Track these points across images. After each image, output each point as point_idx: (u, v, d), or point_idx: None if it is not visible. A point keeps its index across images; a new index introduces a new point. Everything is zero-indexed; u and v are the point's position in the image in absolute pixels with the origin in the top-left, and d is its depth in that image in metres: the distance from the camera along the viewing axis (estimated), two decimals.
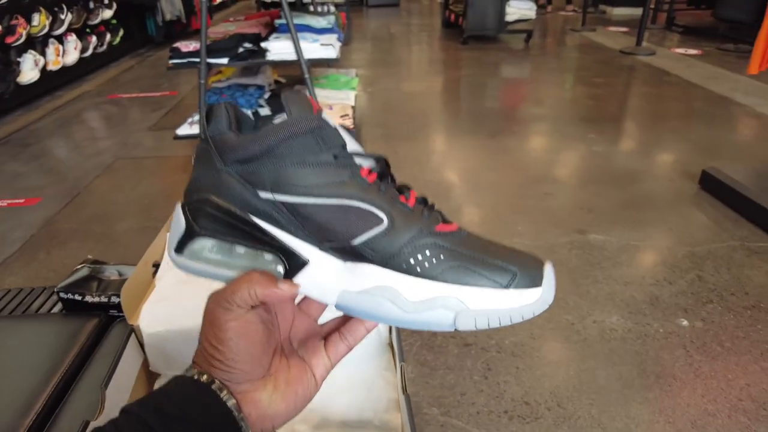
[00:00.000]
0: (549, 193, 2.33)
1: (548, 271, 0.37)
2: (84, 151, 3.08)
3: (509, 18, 5.49)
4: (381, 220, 0.36)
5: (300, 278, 0.37)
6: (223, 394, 0.35)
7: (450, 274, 0.36)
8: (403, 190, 0.40)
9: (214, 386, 0.35)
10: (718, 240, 1.94)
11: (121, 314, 0.82)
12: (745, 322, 1.54)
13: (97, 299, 0.82)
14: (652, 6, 6.23)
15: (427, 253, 0.37)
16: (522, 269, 0.37)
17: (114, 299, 0.82)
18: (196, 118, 2.48)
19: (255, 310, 0.36)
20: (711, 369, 1.37)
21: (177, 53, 2.30)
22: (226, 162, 0.37)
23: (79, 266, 0.88)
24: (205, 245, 0.38)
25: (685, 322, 1.54)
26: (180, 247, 0.39)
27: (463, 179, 2.54)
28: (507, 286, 0.36)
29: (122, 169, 2.78)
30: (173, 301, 0.68)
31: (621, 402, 1.28)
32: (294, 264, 0.37)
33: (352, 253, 0.37)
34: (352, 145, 0.38)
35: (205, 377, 0.36)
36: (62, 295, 0.83)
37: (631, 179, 2.44)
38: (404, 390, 0.63)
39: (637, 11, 6.37)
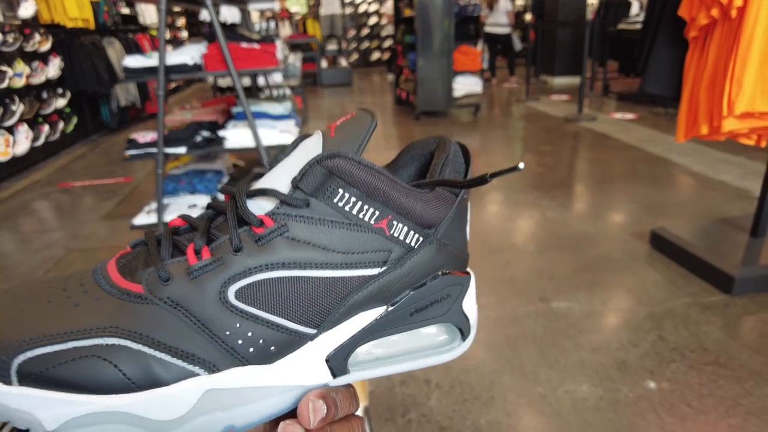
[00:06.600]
0: (509, 262, 2.38)
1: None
2: (32, 245, 2.96)
3: (457, 94, 5.81)
4: None
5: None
6: None
7: None
8: None
9: None
10: (673, 298, 2.01)
11: None
12: (708, 378, 1.57)
13: None
14: (589, 75, 6.72)
15: None
16: None
17: None
18: (153, 206, 2.45)
19: None
20: (683, 431, 1.38)
21: (134, 144, 2.31)
22: None
23: None
24: None
25: (652, 384, 1.55)
26: None
27: None
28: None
29: (74, 262, 2.68)
30: None
31: None
32: None
33: None
34: None
35: None
36: None
37: (586, 243, 2.53)
38: None
39: (575, 80, 6.86)
